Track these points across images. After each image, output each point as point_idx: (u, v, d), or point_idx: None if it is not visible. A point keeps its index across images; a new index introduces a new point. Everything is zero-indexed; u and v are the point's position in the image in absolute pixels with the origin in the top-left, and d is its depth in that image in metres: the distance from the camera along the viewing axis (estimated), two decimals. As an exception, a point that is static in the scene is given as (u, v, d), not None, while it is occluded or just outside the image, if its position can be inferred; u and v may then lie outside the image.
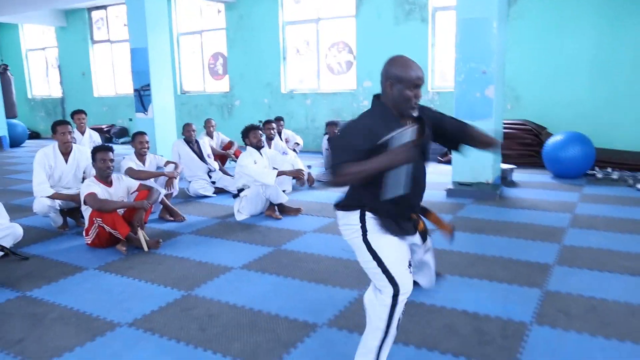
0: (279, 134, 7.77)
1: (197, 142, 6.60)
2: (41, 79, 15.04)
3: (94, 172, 4.50)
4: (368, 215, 2.19)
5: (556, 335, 2.69)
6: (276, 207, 5.30)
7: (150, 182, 5.22)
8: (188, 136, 6.50)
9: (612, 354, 2.49)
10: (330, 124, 7.40)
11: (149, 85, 8.99)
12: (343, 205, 2.26)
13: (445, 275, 3.48)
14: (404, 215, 2.25)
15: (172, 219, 5.19)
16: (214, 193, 6.43)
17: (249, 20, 10.88)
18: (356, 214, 2.20)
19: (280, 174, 5.40)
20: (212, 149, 7.10)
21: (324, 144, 7.70)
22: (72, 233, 4.86)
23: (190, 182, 6.42)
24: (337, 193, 2.41)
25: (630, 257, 3.82)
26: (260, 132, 5.54)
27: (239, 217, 5.23)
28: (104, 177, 4.36)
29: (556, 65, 8.09)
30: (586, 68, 7.90)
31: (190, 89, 12.28)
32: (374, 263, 2.16)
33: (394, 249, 2.19)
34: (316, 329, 2.83)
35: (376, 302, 2.15)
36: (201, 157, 6.52)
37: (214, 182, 6.51)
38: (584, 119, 7.75)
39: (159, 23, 9.10)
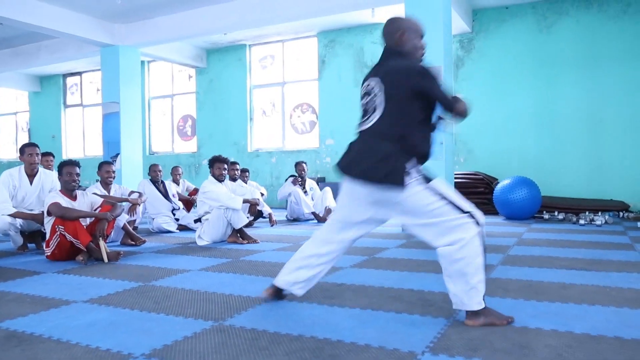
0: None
1: (162, 182, 6.79)
2: (9, 143, 15.12)
3: (59, 186, 4.63)
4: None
5: (494, 301, 2.86)
6: (238, 234, 5.44)
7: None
8: (154, 176, 6.69)
9: (541, 310, 2.68)
10: (299, 163, 7.76)
11: (117, 154, 9.35)
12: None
13: None
14: None
15: (133, 243, 5.26)
16: (177, 229, 6.53)
17: (219, 84, 11.46)
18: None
19: (245, 201, 5.61)
20: (179, 194, 7.26)
21: (288, 184, 7.81)
22: (31, 253, 4.88)
23: (153, 219, 6.53)
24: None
25: (567, 260, 4.09)
26: (225, 165, 5.78)
27: (201, 243, 5.33)
28: (69, 191, 4.49)
29: (503, 121, 8.75)
30: (529, 123, 8.57)
31: (159, 149, 12.56)
32: (442, 201, 2.32)
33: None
34: (267, 300, 2.95)
35: (466, 243, 2.28)
36: (166, 196, 6.68)
37: (177, 220, 6.63)
38: (531, 169, 8.29)
39: (132, 87, 9.59)
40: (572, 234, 5.71)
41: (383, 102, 2.39)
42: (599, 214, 7.09)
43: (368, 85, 2.48)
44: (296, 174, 7.85)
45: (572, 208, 7.46)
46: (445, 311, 2.65)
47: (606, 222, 6.55)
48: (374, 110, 2.41)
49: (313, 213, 7.56)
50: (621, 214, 7.42)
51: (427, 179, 2.41)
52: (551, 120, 8.44)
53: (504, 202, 7.19)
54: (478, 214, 2.36)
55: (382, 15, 9.32)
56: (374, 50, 9.87)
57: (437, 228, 2.35)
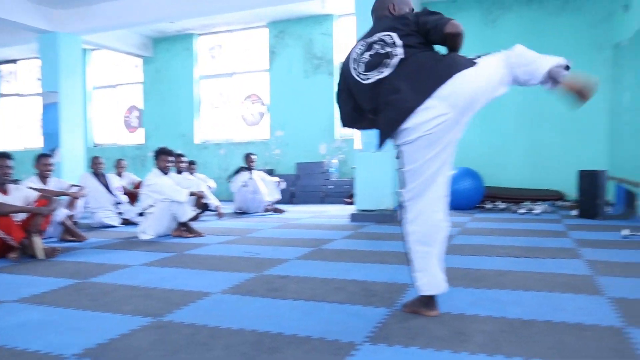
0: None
1: (104, 175, 6.56)
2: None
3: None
4: None
5: (433, 290, 2.94)
6: (183, 228, 5.33)
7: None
8: (95, 169, 6.47)
9: (479, 297, 2.75)
10: (248, 155, 7.71)
11: (57, 147, 8.99)
12: None
13: None
14: None
15: (73, 239, 5.07)
16: (120, 224, 6.35)
17: (166, 73, 11.18)
18: None
19: (191, 193, 5.51)
20: (123, 187, 7.04)
21: (241, 178, 7.72)
22: (-39, 251, 4.62)
23: (95, 213, 6.31)
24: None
25: (506, 248, 4.22)
26: (170, 158, 5.64)
27: (144, 237, 5.19)
28: (0, 184, 4.27)
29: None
30: (477, 118, 8.75)
31: (103, 141, 12.16)
32: None
33: None
34: (210, 295, 2.91)
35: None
36: (109, 189, 6.47)
37: (120, 214, 6.44)
38: (474, 160, 8.48)
39: (73, 77, 9.22)
40: (512, 222, 5.91)
41: (401, 41, 2.40)
42: (538, 203, 7.37)
43: (370, 40, 2.48)
44: (245, 166, 7.76)
45: (513, 198, 7.73)
46: (387, 301, 2.69)
47: (544, 211, 6.82)
48: (395, 46, 2.40)
49: (271, 208, 7.56)
50: (558, 202, 7.73)
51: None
52: (494, 113, 8.67)
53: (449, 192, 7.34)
54: None
55: (332, 6, 9.31)
56: (323, 42, 9.86)
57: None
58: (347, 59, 2.57)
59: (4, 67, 13.06)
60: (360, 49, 2.49)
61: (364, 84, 2.43)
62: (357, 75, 2.45)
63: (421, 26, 2.38)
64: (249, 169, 7.70)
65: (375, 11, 2.67)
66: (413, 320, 2.35)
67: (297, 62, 10.06)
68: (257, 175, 7.68)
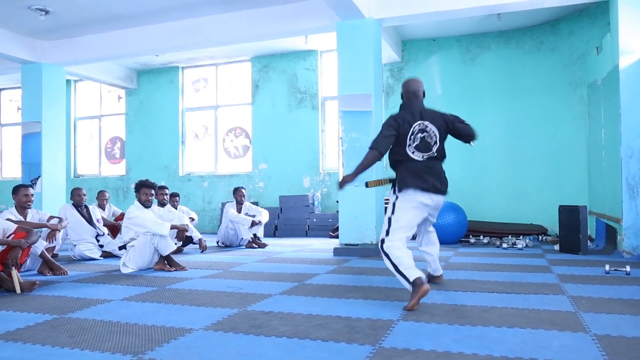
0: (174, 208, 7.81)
1: (86, 207, 6.48)
2: None
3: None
4: None
5: (418, 326, 2.92)
6: (165, 261, 5.26)
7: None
8: (77, 200, 6.38)
9: (464, 334, 2.74)
10: (238, 189, 7.67)
11: (38, 177, 8.91)
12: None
13: None
14: None
15: (51, 273, 4.96)
16: (100, 257, 6.24)
17: (149, 105, 11.20)
18: None
19: (173, 227, 5.45)
20: (104, 219, 6.95)
21: (230, 211, 7.65)
22: None
23: (75, 245, 6.20)
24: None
25: (490, 283, 4.24)
26: (152, 191, 5.59)
27: (125, 270, 5.10)
28: (-22, 217, 4.19)
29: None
30: (455, 149, 8.81)
31: (85, 172, 12.04)
32: None
33: None
34: (192, 331, 2.85)
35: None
36: (90, 221, 6.38)
37: (101, 246, 6.34)
38: (457, 194, 8.56)
39: (55, 107, 9.19)
40: (495, 257, 5.94)
41: (439, 140, 3.79)
42: (520, 237, 7.44)
43: (422, 125, 3.73)
44: (235, 199, 7.73)
45: (496, 232, 7.79)
46: (371, 338, 2.66)
47: (527, 246, 6.88)
48: (435, 144, 3.76)
49: (253, 241, 7.45)
50: (540, 237, 7.81)
51: None
52: (477, 149, 8.79)
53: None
54: None
55: (316, 42, 9.48)
56: (307, 77, 10.00)
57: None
58: (404, 123, 3.71)
59: (-14, 96, 12.97)
60: (419, 126, 3.73)
61: (413, 152, 3.73)
62: (409, 144, 3.72)
63: (452, 129, 3.89)
64: (239, 203, 7.66)
65: (413, 92, 3.87)
66: (397, 359, 2.33)
67: (281, 96, 10.17)
68: (243, 210, 7.64)
